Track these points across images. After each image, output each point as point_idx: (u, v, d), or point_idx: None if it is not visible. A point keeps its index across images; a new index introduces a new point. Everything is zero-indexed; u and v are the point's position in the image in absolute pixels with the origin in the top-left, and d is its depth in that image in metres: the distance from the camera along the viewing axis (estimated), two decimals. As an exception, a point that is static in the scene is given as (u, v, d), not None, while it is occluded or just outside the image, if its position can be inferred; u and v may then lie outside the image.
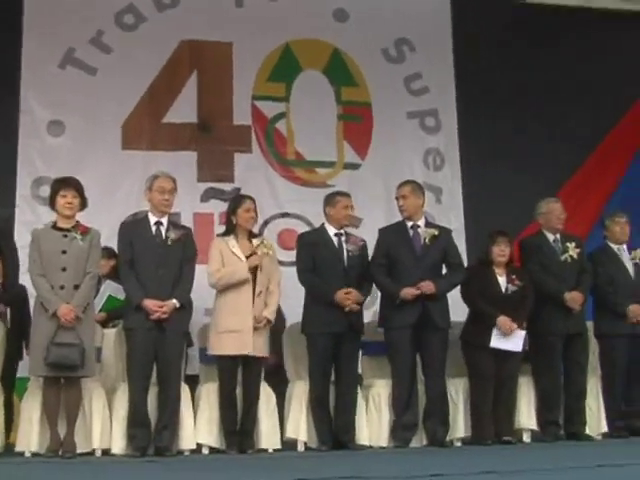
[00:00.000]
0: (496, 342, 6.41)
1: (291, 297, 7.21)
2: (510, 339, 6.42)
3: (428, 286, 6.26)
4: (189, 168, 8.22)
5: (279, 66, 8.59)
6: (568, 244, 6.79)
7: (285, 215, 8.38)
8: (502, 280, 6.56)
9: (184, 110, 8.31)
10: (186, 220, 7.68)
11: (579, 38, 9.02)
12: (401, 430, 6.38)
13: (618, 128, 8.94)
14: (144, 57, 8.26)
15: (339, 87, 8.71)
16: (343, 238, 6.44)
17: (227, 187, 8.21)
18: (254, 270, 6.10)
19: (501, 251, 6.56)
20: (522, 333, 6.44)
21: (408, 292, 6.24)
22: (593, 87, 8.85)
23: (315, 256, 6.38)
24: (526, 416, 6.66)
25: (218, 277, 6.12)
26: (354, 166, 8.62)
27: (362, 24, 8.74)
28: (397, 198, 6.58)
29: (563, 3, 9.04)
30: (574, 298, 6.66)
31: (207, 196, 8.23)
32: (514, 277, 6.55)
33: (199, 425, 6.17)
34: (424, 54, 8.87)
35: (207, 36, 8.42)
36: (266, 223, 8.22)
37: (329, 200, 6.55)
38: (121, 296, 6.44)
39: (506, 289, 6.54)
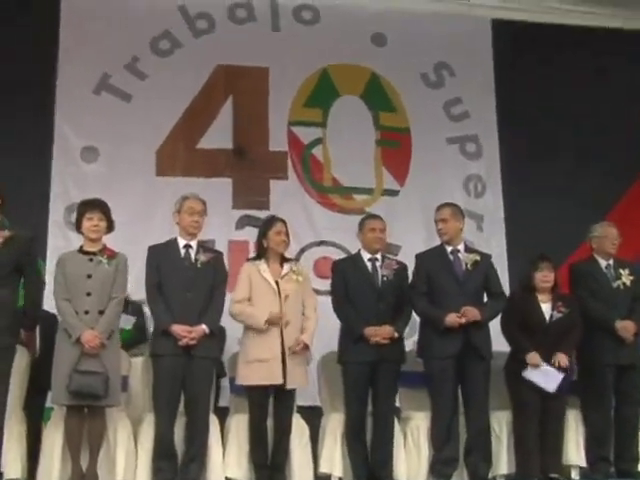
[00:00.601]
0: (530, 375, 5.98)
1: (327, 327, 6.88)
2: (545, 376, 5.98)
3: (473, 312, 5.86)
4: (224, 195, 7.94)
5: (316, 91, 8.31)
6: (621, 270, 6.35)
7: (322, 243, 8.03)
8: (546, 307, 6.13)
9: (219, 136, 8.05)
10: (221, 248, 7.29)
11: (622, 59, 8.60)
12: (441, 465, 5.94)
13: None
14: (179, 83, 8.02)
15: (377, 112, 8.39)
16: (378, 263, 6.08)
17: (262, 214, 7.78)
18: (280, 298, 5.73)
19: (544, 277, 6.15)
20: (558, 375, 5.97)
21: (454, 320, 5.84)
22: (638, 107, 8.42)
23: (348, 282, 6.03)
24: (574, 452, 6.19)
25: (237, 312, 5.78)
26: (393, 192, 8.27)
27: (400, 48, 8.43)
28: (436, 221, 6.20)
29: (604, 25, 8.68)
30: (626, 327, 6.20)
31: (242, 223, 7.92)
32: (560, 304, 6.11)
33: (228, 458, 5.78)
34: (464, 78, 8.53)
35: (243, 61, 8.16)
36: (302, 251, 7.90)
37: (360, 225, 6.25)
38: (128, 326, 6.15)
39: (551, 317, 6.10)
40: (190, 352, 5.57)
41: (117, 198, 7.33)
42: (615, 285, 6.34)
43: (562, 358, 6.02)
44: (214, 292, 5.74)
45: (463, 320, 5.84)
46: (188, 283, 5.66)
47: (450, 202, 6.42)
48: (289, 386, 5.65)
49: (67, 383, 5.31)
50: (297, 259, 7.11)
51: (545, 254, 6.25)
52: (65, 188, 7.69)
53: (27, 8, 7.67)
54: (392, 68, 8.41)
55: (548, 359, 6.01)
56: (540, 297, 6.15)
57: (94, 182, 7.68)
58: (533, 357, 5.97)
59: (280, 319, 5.66)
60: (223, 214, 7.82)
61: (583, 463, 6.22)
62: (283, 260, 5.93)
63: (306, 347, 5.73)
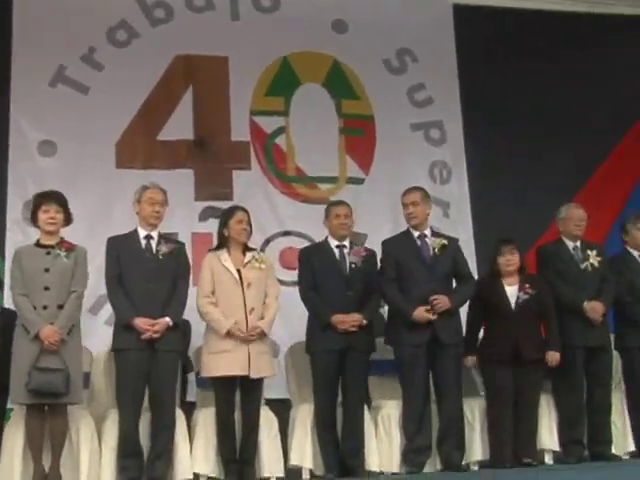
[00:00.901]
0: None
1: (294, 318, 6.75)
2: None
3: (442, 301, 5.74)
4: (186, 187, 7.69)
5: (277, 80, 8.08)
6: (589, 252, 6.26)
7: (287, 233, 7.82)
8: (512, 290, 6.02)
9: (180, 127, 7.78)
10: (184, 240, 7.06)
11: (585, 45, 8.50)
12: (413, 454, 5.81)
13: (633, 131, 8.42)
14: (137, 73, 7.73)
15: (340, 100, 8.18)
16: (346, 250, 5.93)
17: (226, 205, 7.48)
18: (242, 286, 5.59)
19: (507, 260, 6.04)
20: None
21: (423, 315, 5.71)
22: (604, 93, 8.33)
23: (316, 270, 5.89)
24: (547, 436, 6.10)
25: (203, 311, 5.63)
26: (357, 181, 8.08)
27: (362, 35, 8.22)
28: (406, 205, 6.05)
29: (569, 9, 8.58)
30: (594, 308, 6.10)
31: (205, 215, 7.69)
32: (527, 285, 6.00)
33: (195, 454, 5.62)
34: (427, 64, 8.34)
35: (202, 50, 7.90)
36: (267, 242, 7.68)
37: (325, 211, 6.13)
38: None
39: (517, 299, 5.99)
40: (154, 346, 5.39)
41: (77, 192, 7.15)
42: (583, 266, 6.24)
43: (554, 356, 5.93)
44: (177, 283, 5.58)
45: (432, 316, 5.72)
46: (150, 275, 5.49)
47: (418, 186, 6.29)
48: (254, 375, 5.49)
49: (26, 381, 5.12)
50: (262, 250, 6.96)
51: (507, 237, 6.17)
52: (22, 184, 7.39)
53: (-22, -1, 7.43)
54: (354, 55, 8.20)
55: (517, 345, 5.90)
56: (507, 281, 6.06)
57: (52, 177, 7.38)
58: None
59: (243, 333, 5.49)
60: (186, 206, 7.58)
61: (556, 447, 6.13)
62: (246, 250, 5.76)
63: (262, 334, 5.55)
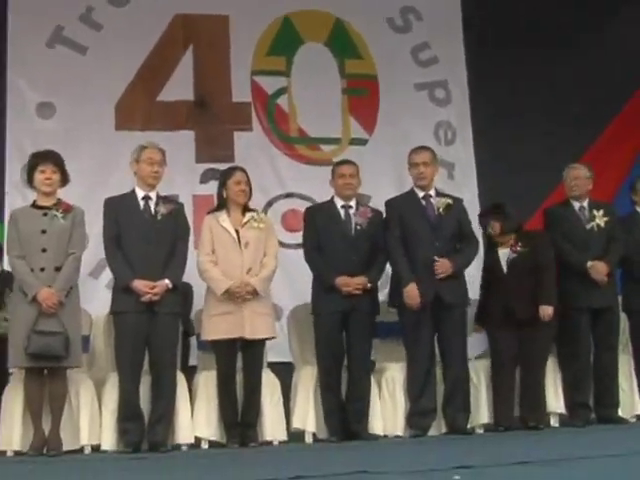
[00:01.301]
0: None
1: (296, 280, 6.65)
2: None
3: (444, 266, 5.60)
4: (187, 148, 7.55)
5: (279, 39, 7.89)
6: (595, 212, 6.11)
7: (289, 195, 7.68)
8: (504, 252, 5.93)
9: (180, 87, 7.61)
10: (185, 203, 6.95)
11: (592, 7, 8.22)
12: (418, 417, 5.71)
13: (640, 91, 8.24)
14: (136, 33, 7.58)
15: (343, 60, 8.00)
16: (352, 211, 5.78)
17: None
18: (240, 246, 5.46)
19: (492, 228, 5.95)
20: None
21: (415, 300, 5.58)
22: (613, 50, 8.11)
23: (320, 231, 5.75)
24: (553, 399, 5.99)
25: (202, 268, 5.51)
26: (361, 142, 7.91)
27: (365, -8, 8.06)
28: (416, 164, 5.88)
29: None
30: (596, 267, 5.96)
31: (206, 177, 7.53)
32: (519, 244, 5.89)
33: (197, 417, 5.53)
34: (432, 23, 8.13)
35: (202, 9, 7.72)
36: (269, 204, 7.55)
37: (332, 171, 5.97)
38: None
39: (507, 261, 5.89)
40: (153, 308, 5.27)
41: (75, 155, 7.04)
42: (589, 227, 6.11)
43: (546, 310, 5.78)
44: (176, 245, 5.45)
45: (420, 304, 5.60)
46: (148, 236, 5.36)
47: (427, 146, 6.13)
48: (249, 336, 5.38)
49: (25, 345, 5.01)
50: (264, 212, 6.83)
51: (490, 206, 6.10)
52: (21, 146, 7.24)
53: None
54: (357, 13, 8.01)
55: (509, 308, 5.81)
56: (501, 245, 5.95)
57: (51, 139, 7.19)
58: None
59: (241, 292, 5.36)
60: (186, 168, 7.47)
61: (562, 410, 6.01)
62: (245, 210, 5.63)
63: (254, 292, 5.42)
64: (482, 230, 6.12)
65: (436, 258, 5.64)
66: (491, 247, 6.05)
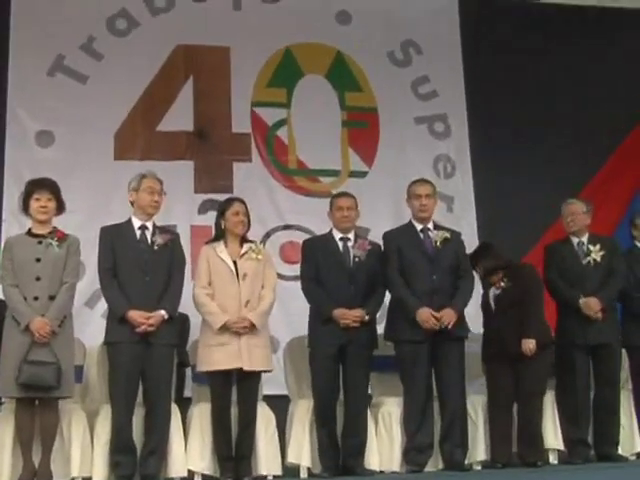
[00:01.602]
0: None
1: (293, 312, 6.58)
2: None
3: (449, 316, 5.52)
4: (186, 178, 7.54)
5: (279, 71, 7.91)
6: (591, 247, 6.03)
7: (287, 227, 7.66)
8: (493, 290, 5.89)
9: (180, 118, 7.62)
10: (183, 233, 6.89)
11: (594, 38, 8.28)
12: (414, 453, 5.58)
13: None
14: (137, 63, 7.60)
15: (343, 92, 8.01)
16: (350, 243, 5.71)
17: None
18: (237, 278, 5.39)
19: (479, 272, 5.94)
20: None
21: (429, 320, 5.49)
22: (610, 87, 8.12)
23: (318, 263, 5.66)
24: (552, 436, 5.88)
25: (198, 302, 5.42)
26: (360, 174, 7.90)
27: (366, 27, 8.06)
28: (419, 196, 5.81)
29: (576, 3, 8.36)
30: (588, 304, 5.87)
31: (205, 208, 7.51)
32: (503, 280, 5.85)
33: (190, 450, 5.40)
34: (432, 57, 8.17)
35: (203, 41, 7.75)
36: (268, 235, 7.51)
37: (330, 203, 5.90)
38: None
39: (494, 297, 5.87)
40: (148, 339, 5.18)
41: (74, 184, 7.04)
42: (585, 262, 6.04)
43: (527, 344, 5.70)
44: (172, 276, 5.36)
45: (436, 326, 5.50)
46: (144, 266, 5.27)
47: (428, 179, 6.08)
48: (247, 368, 5.27)
49: (16, 374, 4.91)
50: (262, 243, 6.75)
51: (477, 247, 6.13)
52: (19, 174, 7.18)
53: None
54: (358, 47, 8.04)
55: (500, 343, 5.73)
56: (492, 286, 5.93)
57: (50, 167, 7.17)
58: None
59: (238, 326, 5.28)
60: (185, 198, 7.46)
61: (561, 447, 5.91)
62: (243, 241, 5.55)
63: (252, 327, 5.33)
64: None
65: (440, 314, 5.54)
66: (485, 287, 6.01)
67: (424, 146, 8.05)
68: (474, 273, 5.95)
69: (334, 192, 7.44)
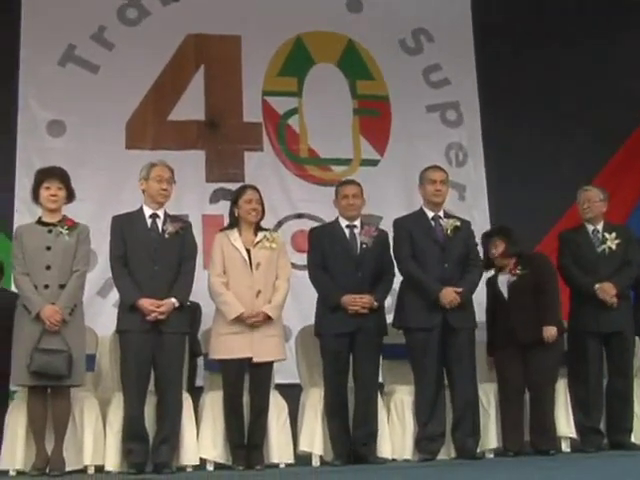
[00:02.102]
0: None
1: (305, 301, 6.52)
2: None
3: (450, 295, 5.50)
4: (197, 168, 7.52)
5: (290, 60, 7.88)
6: (607, 235, 5.97)
7: (299, 216, 7.62)
8: (505, 276, 5.83)
9: (191, 107, 7.60)
10: (194, 222, 6.88)
11: (608, 28, 8.19)
12: (426, 441, 5.56)
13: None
14: (148, 53, 7.58)
15: (354, 80, 7.96)
16: (357, 230, 5.67)
17: (237, 187, 7.46)
18: (251, 267, 5.36)
19: (492, 254, 5.87)
20: None
21: (452, 298, 5.47)
22: (625, 74, 8.03)
23: (325, 250, 5.63)
24: (565, 423, 5.83)
25: (213, 290, 5.40)
26: (372, 162, 7.85)
27: (377, 14, 8.01)
28: (433, 181, 5.77)
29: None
30: (604, 288, 5.82)
31: (216, 197, 7.49)
32: (518, 267, 5.79)
33: (202, 438, 5.39)
34: (443, 44, 8.11)
35: (214, 30, 7.73)
36: (280, 224, 7.49)
37: (335, 191, 5.86)
38: None
39: (508, 282, 5.79)
40: (159, 327, 5.16)
41: (86, 173, 7.05)
42: (600, 250, 5.98)
43: (550, 331, 5.66)
44: (183, 264, 5.33)
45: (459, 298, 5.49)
46: (155, 255, 5.25)
47: (440, 165, 6.04)
48: (257, 359, 5.26)
49: (27, 362, 4.91)
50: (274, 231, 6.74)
51: (493, 229, 6.04)
52: (31, 164, 7.16)
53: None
54: (369, 35, 8.00)
55: (513, 332, 5.67)
56: (500, 272, 5.89)
57: (61, 157, 7.14)
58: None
59: (253, 320, 5.26)
60: (196, 188, 7.44)
61: (574, 435, 5.86)
62: (257, 229, 5.52)
63: (267, 318, 5.31)
64: (483, 251, 5.95)
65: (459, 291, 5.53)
66: (492, 270, 5.96)
67: (436, 134, 8.00)
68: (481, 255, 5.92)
69: (345, 180, 7.44)
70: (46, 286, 5.01)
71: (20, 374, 4.97)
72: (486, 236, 5.96)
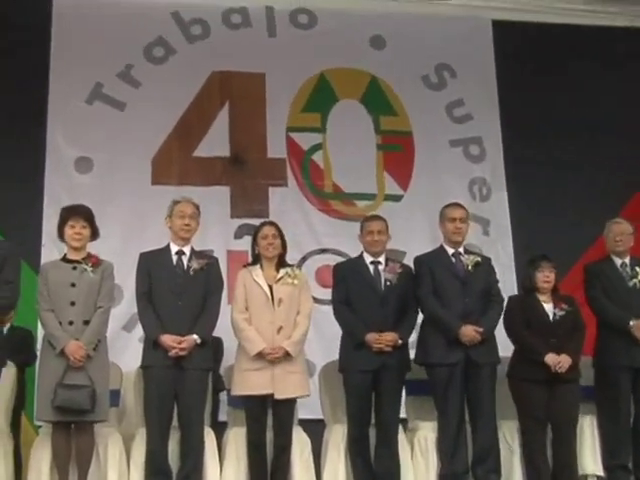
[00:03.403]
0: None
1: (329, 336, 6.49)
2: None
3: (470, 334, 5.45)
4: (222, 203, 7.58)
5: (314, 96, 7.94)
6: (637, 269, 5.91)
7: (324, 251, 7.63)
8: (548, 307, 5.70)
9: (216, 143, 7.69)
10: (219, 258, 6.86)
11: (626, 60, 8.17)
12: (450, 478, 5.48)
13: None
14: (174, 90, 7.67)
15: (378, 116, 8.01)
16: (381, 267, 5.65)
17: (259, 223, 7.50)
18: (273, 303, 5.36)
19: (545, 277, 5.71)
20: None
21: (472, 335, 5.43)
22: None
23: (350, 286, 5.61)
24: (591, 461, 5.73)
25: (236, 327, 5.38)
26: (396, 198, 7.87)
27: (400, 51, 8.08)
28: (453, 219, 5.75)
29: (609, 24, 8.28)
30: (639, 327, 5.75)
31: (241, 232, 7.51)
32: (561, 303, 5.70)
33: (225, 474, 5.36)
34: (466, 80, 8.14)
35: (239, 67, 7.82)
36: (304, 259, 7.51)
37: (360, 227, 5.84)
38: None
39: (554, 315, 5.67)
40: (181, 364, 5.16)
41: (112, 209, 7.13)
42: (631, 284, 5.90)
43: (565, 359, 5.56)
44: (208, 299, 5.34)
45: (479, 336, 5.44)
46: (179, 291, 5.26)
47: (460, 203, 6.01)
48: (278, 396, 5.23)
49: (51, 398, 4.92)
50: (299, 267, 6.72)
51: (546, 255, 5.83)
52: (59, 200, 7.19)
53: (18, 17, 7.35)
54: (392, 71, 8.05)
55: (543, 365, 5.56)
56: (542, 298, 5.74)
57: (88, 193, 7.27)
58: (552, 359, 5.52)
59: (273, 356, 5.24)
60: (221, 223, 7.50)
61: (600, 472, 5.76)
62: (280, 265, 5.51)
63: (287, 353, 5.28)
64: (530, 273, 5.80)
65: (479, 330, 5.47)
66: (531, 296, 5.77)
67: (459, 169, 8.02)
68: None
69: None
70: (70, 322, 5.03)
71: (44, 410, 4.98)
72: (541, 258, 5.85)
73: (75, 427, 5.06)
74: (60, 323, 5.02)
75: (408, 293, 5.64)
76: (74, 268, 5.13)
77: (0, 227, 6.48)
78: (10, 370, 5.46)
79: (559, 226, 7.58)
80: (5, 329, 6.10)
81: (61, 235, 5.25)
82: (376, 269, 5.65)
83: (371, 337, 5.42)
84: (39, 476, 5.15)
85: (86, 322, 5.04)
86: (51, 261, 5.37)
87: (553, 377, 5.55)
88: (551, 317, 5.68)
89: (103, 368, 5.12)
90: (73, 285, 5.07)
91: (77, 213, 5.22)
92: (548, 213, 7.70)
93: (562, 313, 5.68)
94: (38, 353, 5.24)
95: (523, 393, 5.68)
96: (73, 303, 5.04)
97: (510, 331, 5.74)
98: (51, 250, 7.07)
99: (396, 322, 5.53)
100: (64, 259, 5.23)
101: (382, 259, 5.71)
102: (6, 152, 7.20)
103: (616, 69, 8.15)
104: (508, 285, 6.88)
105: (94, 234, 5.25)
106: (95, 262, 5.18)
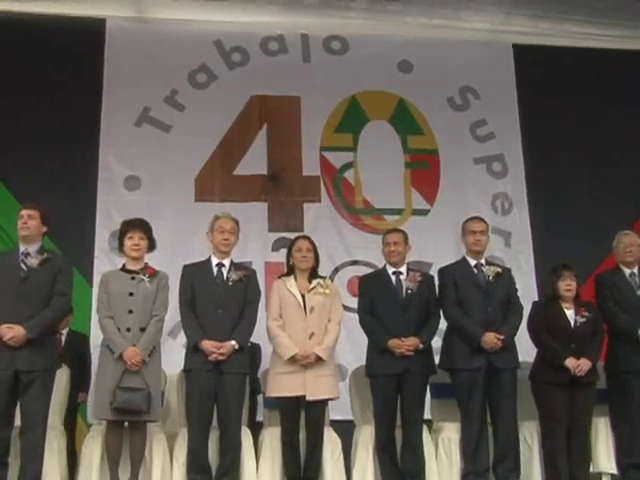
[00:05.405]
0: None
1: (361, 342, 6.62)
2: None
3: (492, 341, 5.55)
4: (260, 218, 7.77)
5: (346, 117, 8.12)
6: None
7: (355, 262, 7.78)
8: (570, 314, 5.78)
9: (255, 163, 7.89)
10: (257, 269, 7.05)
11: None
12: (472, 476, 5.58)
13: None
14: (216, 113, 7.90)
15: (405, 136, 8.16)
16: (402, 276, 5.78)
17: (294, 237, 7.67)
18: (305, 311, 5.51)
19: (567, 285, 5.79)
20: None
21: (494, 342, 5.53)
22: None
23: (373, 296, 5.75)
24: (605, 459, 5.81)
25: (271, 333, 5.55)
26: (423, 212, 8.01)
27: (426, 74, 8.24)
28: (474, 232, 5.87)
29: (627, 48, 8.33)
30: None
31: (278, 245, 7.69)
32: (582, 309, 5.78)
33: (261, 471, 5.52)
34: (488, 101, 8.28)
35: (276, 91, 8.03)
36: (336, 270, 7.68)
37: (382, 240, 5.97)
38: None
39: (575, 322, 5.76)
40: (220, 368, 5.33)
41: (158, 224, 7.14)
42: (639, 293, 5.97)
43: (585, 363, 5.65)
44: (246, 308, 5.50)
45: (500, 343, 5.54)
46: (219, 300, 5.44)
47: (480, 217, 6.12)
48: (310, 397, 5.38)
49: (110, 399, 5.11)
50: (331, 278, 6.87)
51: (567, 264, 5.91)
52: (109, 216, 7.54)
53: (72, 46, 7.59)
54: (419, 93, 8.21)
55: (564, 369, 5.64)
56: (564, 305, 5.82)
57: (137, 209, 7.46)
58: (571, 362, 5.62)
59: (305, 361, 5.40)
60: (260, 237, 7.68)
61: (614, 471, 5.83)
62: (312, 276, 5.67)
63: (318, 358, 5.43)
64: (552, 282, 5.86)
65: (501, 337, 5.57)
66: (553, 303, 5.84)
67: (483, 185, 8.15)
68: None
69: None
70: (128, 329, 5.21)
71: (103, 410, 5.16)
72: (563, 267, 5.92)
73: (130, 426, 5.24)
74: (118, 329, 5.20)
75: (429, 300, 5.76)
76: (132, 278, 5.31)
77: (55, 240, 6.67)
78: (64, 372, 5.66)
79: (577, 238, 7.65)
80: (64, 332, 6.35)
81: (121, 246, 5.43)
82: (398, 279, 5.78)
83: (393, 343, 5.55)
84: (90, 469, 5.33)
85: (142, 329, 5.23)
86: (111, 271, 5.55)
87: (573, 380, 5.64)
88: (572, 323, 5.76)
89: (157, 372, 5.31)
90: (131, 294, 5.25)
91: (135, 226, 5.41)
92: (567, 225, 7.79)
93: (583, 320, 5.76)
94: (93, 357, 5.43)
95: (545, 395, 5.76)
96: (131, 311, 5.22)
97: (533, 334, 5.84)
98: (102, 262, 7.36)
99: (418, 327, 5.65)
100: (123, 269, 5.40)
101: (403, 269, 5.82)
102: (62, 171, 7.47)
103: (635, 92, 8.19)
104: (529, 293, 7.01)
105: (151, 246, 5.45)
106: (152, 272, 5.37)
